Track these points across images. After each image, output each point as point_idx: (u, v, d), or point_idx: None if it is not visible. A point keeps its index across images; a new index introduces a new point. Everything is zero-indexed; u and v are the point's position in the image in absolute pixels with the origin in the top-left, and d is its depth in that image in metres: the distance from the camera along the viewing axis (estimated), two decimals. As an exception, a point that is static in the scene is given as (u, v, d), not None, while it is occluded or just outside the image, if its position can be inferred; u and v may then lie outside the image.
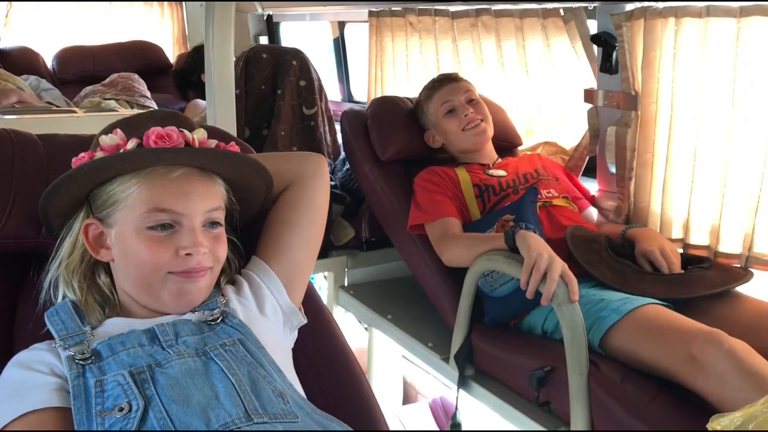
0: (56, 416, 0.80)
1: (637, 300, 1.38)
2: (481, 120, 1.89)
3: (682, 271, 1.55)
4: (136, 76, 3.35)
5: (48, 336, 0.90)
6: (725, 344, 1.18)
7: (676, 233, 1.76)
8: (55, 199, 0.93)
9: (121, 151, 0.91)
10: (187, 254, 0.90)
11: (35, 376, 0.83)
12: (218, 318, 0.93)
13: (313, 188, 1.10)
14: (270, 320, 1.00)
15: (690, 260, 1.61)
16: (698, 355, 1.19)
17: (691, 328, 1.26)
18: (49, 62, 3.59)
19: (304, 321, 1.06)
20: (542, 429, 1.42)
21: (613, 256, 1.56)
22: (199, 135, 0.95)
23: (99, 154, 0.92)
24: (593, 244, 1.59)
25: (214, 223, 0.94)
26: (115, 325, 0.91)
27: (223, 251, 0.97)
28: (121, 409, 0.78)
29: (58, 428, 0.79)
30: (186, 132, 0.94)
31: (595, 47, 1.92)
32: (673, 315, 1.34)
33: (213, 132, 1.04)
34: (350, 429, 0.87)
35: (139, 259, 0.90)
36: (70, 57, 3.59)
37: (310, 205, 1.09)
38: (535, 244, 1.37)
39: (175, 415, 0.78)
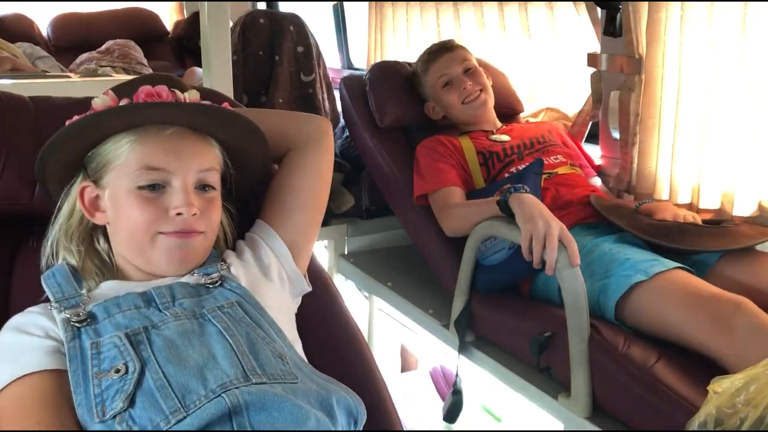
0: (52, 378, 0.79)
1: (665, 263, 1.35)
2: (481, 90, 1.85)
3: (720, 223, 1.51)
4: (133, 43, 3.31)
5: (46, 301, 0.89)
6: (756, 312, 1.17)
7: (683, 199, 1.73)
8: (50, 161, 0.91)
9: None
10: (178, 214, 0.88)
11: (30, 339, 0.82)
12: (216, 282, 0.92)
13: (317, 152, 1.07)
14: (275, 284, 0.99)
15: (710, 223, 1.56)
16: (729, 320, 1.18)
17: (723, 295, 1.24)
18: (44, 29, 3.54)
19: (309, 289, 1.04)
20: (542, 394, 1.42)
21: (644, 217, 1.53)
22: (191, 96, 0.93)
23: None
24: (621, 209, 1.57)
25: (207, 186, 0.92)
26: (111, 288, 0.90)
27: (216, 216, 0.94)
28: (118, 371, 0.78)
29: (55, 390, 0.78)
30: (177, 92, 0.92)
31: (598, 9, 1.88)
32: (702, 282, 1.31)
33: (207, 94, 1.01)
34: (351, 390, 0.87)
35: (130, 219, 0.89)
36: (66, 24, 3.54)
37: (314, 170, 1.06)
38: (528, 210, 1.34)
39: (172, 375, 0.77)
